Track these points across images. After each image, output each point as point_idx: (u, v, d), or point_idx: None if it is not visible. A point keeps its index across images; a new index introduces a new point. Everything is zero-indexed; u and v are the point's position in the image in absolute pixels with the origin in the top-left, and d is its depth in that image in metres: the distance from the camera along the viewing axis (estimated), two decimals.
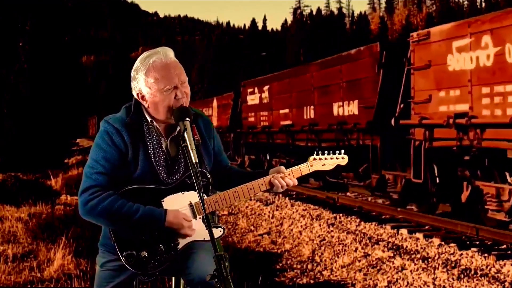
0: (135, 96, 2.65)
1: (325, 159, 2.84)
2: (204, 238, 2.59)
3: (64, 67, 23.62)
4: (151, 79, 2.58)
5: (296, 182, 2.77)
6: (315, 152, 2.84)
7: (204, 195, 2.58)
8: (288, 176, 2.75)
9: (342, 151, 2.88)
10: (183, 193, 2.60)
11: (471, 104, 8.41)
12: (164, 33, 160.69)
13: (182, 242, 2.58)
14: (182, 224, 2.55)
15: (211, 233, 2.30)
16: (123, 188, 2.55)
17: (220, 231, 2.61)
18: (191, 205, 2.61)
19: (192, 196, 2.59)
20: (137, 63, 2.64)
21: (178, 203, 2.59)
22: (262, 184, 2.71)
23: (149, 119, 2.64)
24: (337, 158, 2.86)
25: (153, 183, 2.59)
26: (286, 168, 2.79)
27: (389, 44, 12.55)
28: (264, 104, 18.38)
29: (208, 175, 2.63)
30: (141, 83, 2.61)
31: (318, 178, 14.61)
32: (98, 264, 2.71)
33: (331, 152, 2.86)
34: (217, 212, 2.74)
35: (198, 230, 2.59)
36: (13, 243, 7.38)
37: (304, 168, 2.79)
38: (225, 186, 2.71)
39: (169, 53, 2.63)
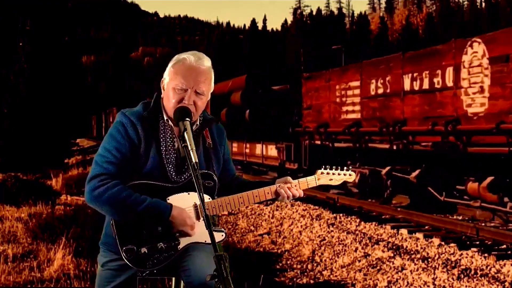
0: (160, 83, 2.70)
1: (333, 174, 2.88)
2: (205, 241, 2.59)
3: (64, 67, 23.60)
4: (173, 72, 2.62)
5: (302, 194, 2.81)
6: (323, 167, 2.89)
7: (209, 197, 2.60)
8: (295, 187, 2.78)
9: (350, 167, 2.94)
10: (188, 193, 2.61)
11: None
12: (164, 33, 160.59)
13: (183, 242, 2.59)
14: (185, 221, 2.55)
15: (210, 233, 2.30)
16: (131, 181, 2.56)
17: (222, 236, 2.62)
18: (195, 206, 2.62)
19: (197, 197, 2.59)
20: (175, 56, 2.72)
21: (183, 203, 2.60)
22: (268, 193, 2.74)
23: (165, 117, 2.66)
24: (344, 175, 2.90)
25: (161, 180, 2.60)
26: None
27: None
28: None
29: (215, 178, 2.65)
30: (166, 72, 2.66)
31: None
32: (99, 263, 2.72)
33: (339, 167, 2.91)
34: (218, 215, 2.74)
35: (200, 232, 2.59)
36: (13, 243, 7.37)
37: (311, 181, 2.83)
38: (231, 194, 2.72)
39: (204, 61, 2.64)
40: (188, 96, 2.59)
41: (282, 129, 18.10)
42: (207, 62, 2.65)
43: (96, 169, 2.57)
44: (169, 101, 2.62)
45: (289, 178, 2.80)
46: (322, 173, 2.86)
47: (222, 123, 14.73)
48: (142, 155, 2.59)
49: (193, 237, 2.60)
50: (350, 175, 2.91)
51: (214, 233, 2.35)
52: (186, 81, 2.58)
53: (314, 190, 13.92)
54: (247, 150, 20.06)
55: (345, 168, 2.91)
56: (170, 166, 2.63)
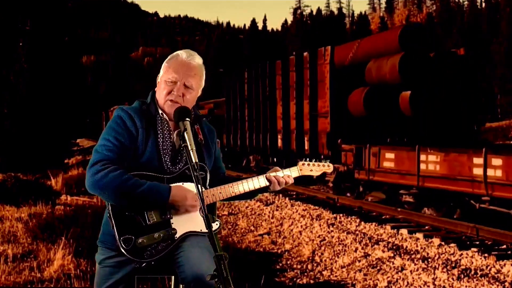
0: (156, 79, 2.83)
1: (313, 165, 3.00)
2: (201, 230, 2.67)
3: (64, 67, 23.58)
4: (166, 67, 2.77)
5: (292, 181, 2.94)
6: (304, 158, 3.03)
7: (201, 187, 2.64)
8: (284, 177, 2.88)
9: (328, 160, 3.07)
10: (182, 184, 2.69)
11: None
12: (164, 33, 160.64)
13: (180, 232, 2.65)
14: (185, 197, 2.64)
15: (210, 233, 2.33)
16: (129, 172, 2.63)
17: (216, 225, 2.67)
18: None
19: (191, 187, 2.68)
20: None
21: None
22: (256, 182, 2.83)
23: (160, 112, 2.77)
24: (323, 166, 3.02)
25: (157, 170, 2.68)
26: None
27: None
28: None
29: (206, 168, 2.74)
30: (161, 68, 2.80)
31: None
32: (97, 261, 2.77)
33: (317, 159, 3.03)
34: (216, 212, 2.80)
35: (196, 221, 2.67)
36: (13, 243, 7.38)
37: (294, 172, 2.95)
38: None
39: (195, 57, 2.78)
40: (177, 88, 2.71)
41: (463, 124, 11.55)
42: (198, 59, 2.78)
43: (96, 156, 2.65)
44: (160, 93, 2.76)
45: (277, 168, 2.92)
46: (303, 164, 2.98)
47: (349, 116, 12.12)
48: (140, 145, 2.68)
49: (189, 226, 2.67)
50: (328, 166, 3.03)
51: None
52: (176, 74, 2.71)
53: (314, 190, 13.91)
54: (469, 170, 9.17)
55: (323, 160, 3.03)
56: (166, 156, 2.72)
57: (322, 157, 12.94)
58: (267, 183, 2.84)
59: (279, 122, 16.58)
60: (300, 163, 2.97)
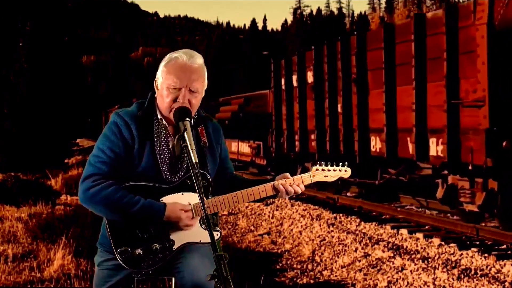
0: (154, 83, 2.69)
1: (328, 170, 2.83)
2: (200, 240, 2.60)
3: (64, 67, 23.60)
4: (166, 71, 2.62)
5: (303, 189, 2.79)
6: (318, 163, 2.84)
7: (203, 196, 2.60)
8: (294, 184, 2.75)
9: (346, 163, 2.85)
10: (182, 194, 2.61)
11: None
12: (164, 33, 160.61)
13: (178, 243, 2.59)
14: (180, 217, 2.56)
15: (211, 234, 2.30)
16: (124, 183, 2.56)
17: (217, 235, 2.59)
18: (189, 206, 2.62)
19: (191, 197, 2.60)
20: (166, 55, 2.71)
21: None
22: (262, 191, 2.72)
23: (159, 117, 2.67)
24: (340, 171, 2.84)
25: (155, 180, 2.60)
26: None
27: None
28: None
29: (209, 177, 2.63)
30: (159, 72, 2.65)
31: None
32: (96, 263, 2.74)
33: (334, 163, 2.84)
34: (218, 215, 2.74)
35: (195, 232, 2.60)
36: (13, 243, 7.38)
37: (306, 178, 2.79)
38: (229, 192, 2.70)
39: (196, 58, 2.64)
40: (183, 95, 2.59)
41: None
42: (199, 59, 2.64)
43: (89, 169, 2.58)
44: (164, 101, 2.62)
45: (287, 174, 2.78)
46: (317, 169, 2.82)
47: None
48: (136, 155, 2.59)
49: (187, 237, 2.60)
50: (345, 171, 2.85)
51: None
52: (179, 80, 2.58)
53: (314, 190, 13.89)
54: None
55: (340, 164, 2.85)
56: (164, 166, 2.63)
57: (470, 167, 8.21)
58: (274, 192, 2.72)
59: (375, 117, 11.07)
60: (314, 168, 2.81)
